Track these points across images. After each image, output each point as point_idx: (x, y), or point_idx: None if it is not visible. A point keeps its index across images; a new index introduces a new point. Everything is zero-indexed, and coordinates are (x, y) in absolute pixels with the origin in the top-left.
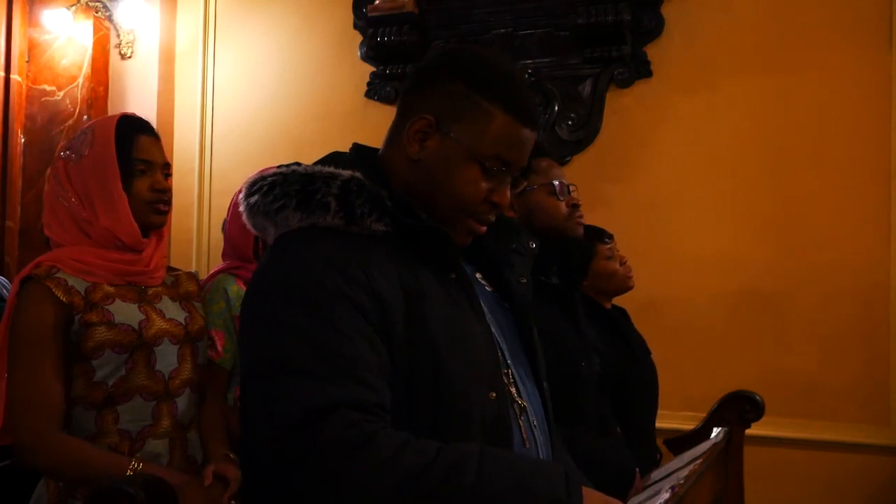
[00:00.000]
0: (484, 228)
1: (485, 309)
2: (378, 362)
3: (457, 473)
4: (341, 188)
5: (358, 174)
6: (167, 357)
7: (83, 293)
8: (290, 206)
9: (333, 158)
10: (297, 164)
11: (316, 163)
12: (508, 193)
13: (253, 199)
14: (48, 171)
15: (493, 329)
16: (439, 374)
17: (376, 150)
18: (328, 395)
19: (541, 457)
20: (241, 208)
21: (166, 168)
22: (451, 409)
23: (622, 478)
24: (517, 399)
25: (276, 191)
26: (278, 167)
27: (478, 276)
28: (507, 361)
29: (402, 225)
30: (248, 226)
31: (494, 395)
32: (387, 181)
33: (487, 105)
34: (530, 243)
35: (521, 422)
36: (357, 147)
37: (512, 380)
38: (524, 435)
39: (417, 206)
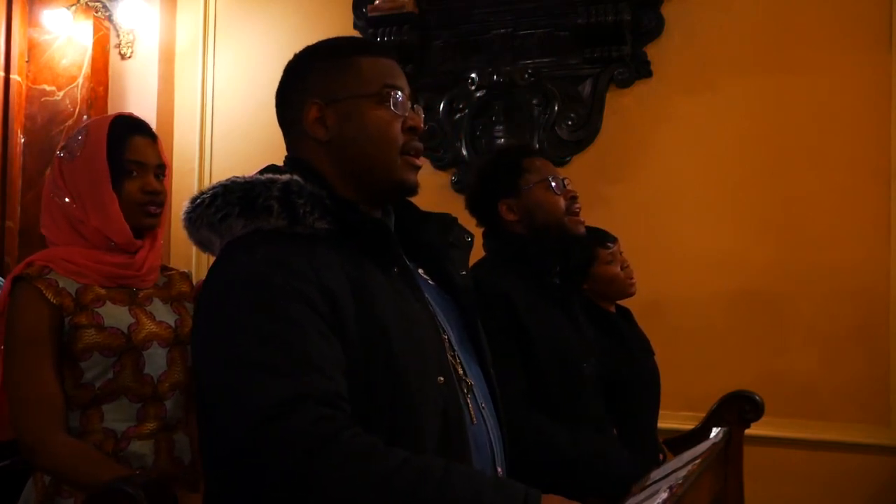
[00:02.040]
0: (419, 161)
1: (428, 299)
2: (333, 354)
3: (420, 482)
4: (282, 190)
5: (296, 177)
6: (156, 360)
7: (74, 295)
8: (233, 214)
9: (270, 169)
10: (236, 176)
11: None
12: (418, 117)
13: (194, 214)
14: (48, 170)
15: (437, 317)
16: (392, 366)
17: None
18: (292, 388)
19: (491, 437)
20: (182, 224)
21: (160, 169)
22: (406, 401)
23: (626, 479)
24: (464, 378)
25: (218, 201)
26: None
27: (420, 271)
28: (452, 346)
29: (343, 222)
30: (192, 241)
31: (443, 379)
32: (323, 181)
33: (347, 60)
34: (465, 236)
35: (468, 400)
36: (290, 157)
37: (458, 361)
38: (471, 413)
39: (356, 197)
